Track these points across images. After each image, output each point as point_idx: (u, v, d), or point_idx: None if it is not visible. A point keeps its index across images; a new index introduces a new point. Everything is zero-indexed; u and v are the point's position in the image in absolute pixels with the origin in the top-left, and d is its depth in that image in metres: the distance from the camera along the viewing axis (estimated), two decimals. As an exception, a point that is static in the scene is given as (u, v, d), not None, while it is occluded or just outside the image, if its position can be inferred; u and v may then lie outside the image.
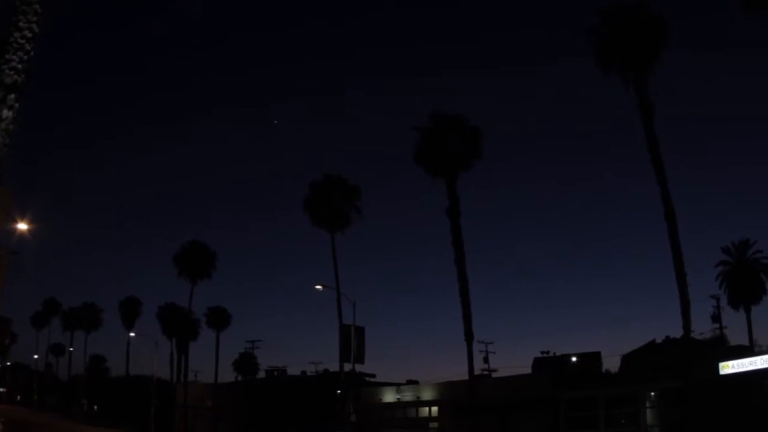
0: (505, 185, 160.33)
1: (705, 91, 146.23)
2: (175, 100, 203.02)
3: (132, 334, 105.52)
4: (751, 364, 40.24)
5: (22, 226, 37.15)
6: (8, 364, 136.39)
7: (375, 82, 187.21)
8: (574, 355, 64.26)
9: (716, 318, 63.04)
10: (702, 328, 61.25)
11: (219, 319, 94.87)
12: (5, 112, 13.45)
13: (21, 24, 13.89)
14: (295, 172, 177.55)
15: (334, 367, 66.03)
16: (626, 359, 59.18)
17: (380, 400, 65.03)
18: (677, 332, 43.83)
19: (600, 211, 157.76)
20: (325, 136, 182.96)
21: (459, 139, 51.75)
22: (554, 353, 66.91)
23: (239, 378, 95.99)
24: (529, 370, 64.26)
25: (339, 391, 60.38)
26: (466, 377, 49.91)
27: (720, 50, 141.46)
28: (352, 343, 55.77)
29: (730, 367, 41.14)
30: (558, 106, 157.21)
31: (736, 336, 62.99)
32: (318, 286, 58.49)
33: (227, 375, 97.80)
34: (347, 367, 57.77)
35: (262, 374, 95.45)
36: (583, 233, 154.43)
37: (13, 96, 13.57)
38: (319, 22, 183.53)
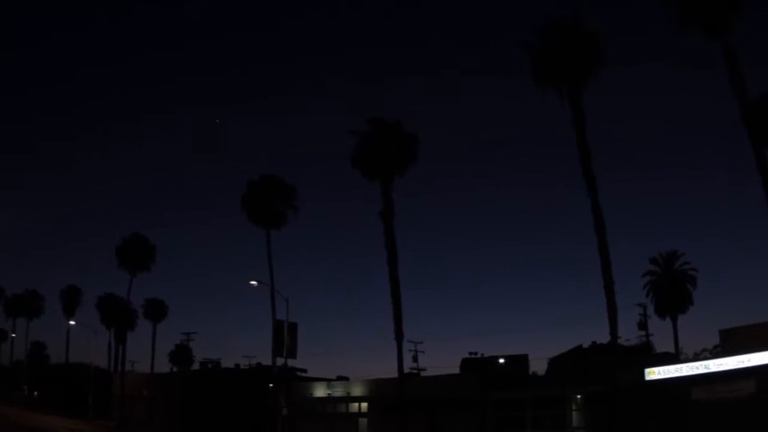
0: (440, 190, 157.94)
1: (639, 106, 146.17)
2: (122, 99, 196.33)
3: (72, 323, 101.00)
4: (676, 371, 38.27)
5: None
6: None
7: (317, 84, 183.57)
8: (502, 357, 61.84)
9: (642, 325, 61.77)
10: (629, 335, 59.89)
11: (156, 310, 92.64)
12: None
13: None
14: (237, 171, 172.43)
15: (267, 361, 63.67)
16: (553, 363, 57.87)
17: (311, 394, 61.98)
18: (604, 338, 42.50)
19: (531, 217, 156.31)
20: (266, 137, 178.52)
21: (395, 144, 49.93)
22: (482, 354, 64.42)
23: (174, 369, 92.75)
24: (457, 371, 61.94)
25: (271, 385, 58.80)
26: (396, 375, 48.43)
27: (652, 66, 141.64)
28: (284, 338, 53.92)
29: (656, 374, 39.14)
30: (495, 116, 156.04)
31: (662, 344, 62.33)
32: (253, 282, 56.53)
33: (163, 365, 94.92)
34: (280, 361, 56.20)
35: (196, 366, 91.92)
36: (515, 239, 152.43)
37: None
38: (270, 24, 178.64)
